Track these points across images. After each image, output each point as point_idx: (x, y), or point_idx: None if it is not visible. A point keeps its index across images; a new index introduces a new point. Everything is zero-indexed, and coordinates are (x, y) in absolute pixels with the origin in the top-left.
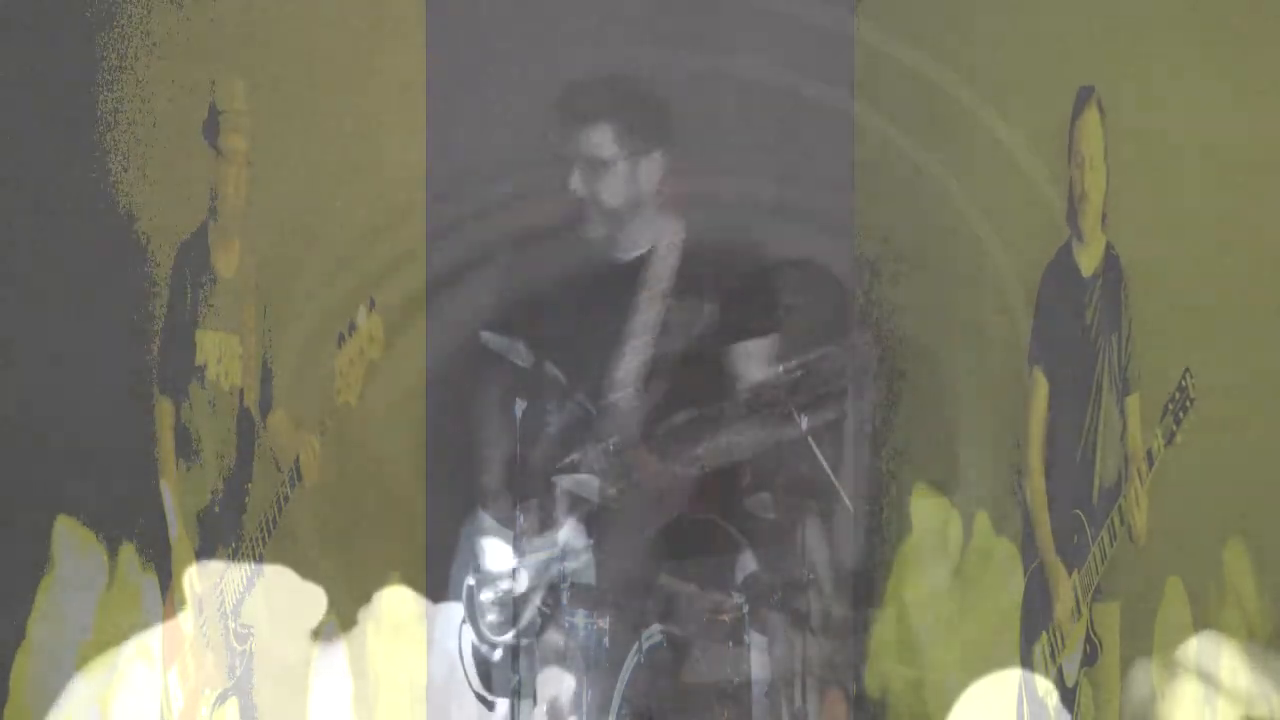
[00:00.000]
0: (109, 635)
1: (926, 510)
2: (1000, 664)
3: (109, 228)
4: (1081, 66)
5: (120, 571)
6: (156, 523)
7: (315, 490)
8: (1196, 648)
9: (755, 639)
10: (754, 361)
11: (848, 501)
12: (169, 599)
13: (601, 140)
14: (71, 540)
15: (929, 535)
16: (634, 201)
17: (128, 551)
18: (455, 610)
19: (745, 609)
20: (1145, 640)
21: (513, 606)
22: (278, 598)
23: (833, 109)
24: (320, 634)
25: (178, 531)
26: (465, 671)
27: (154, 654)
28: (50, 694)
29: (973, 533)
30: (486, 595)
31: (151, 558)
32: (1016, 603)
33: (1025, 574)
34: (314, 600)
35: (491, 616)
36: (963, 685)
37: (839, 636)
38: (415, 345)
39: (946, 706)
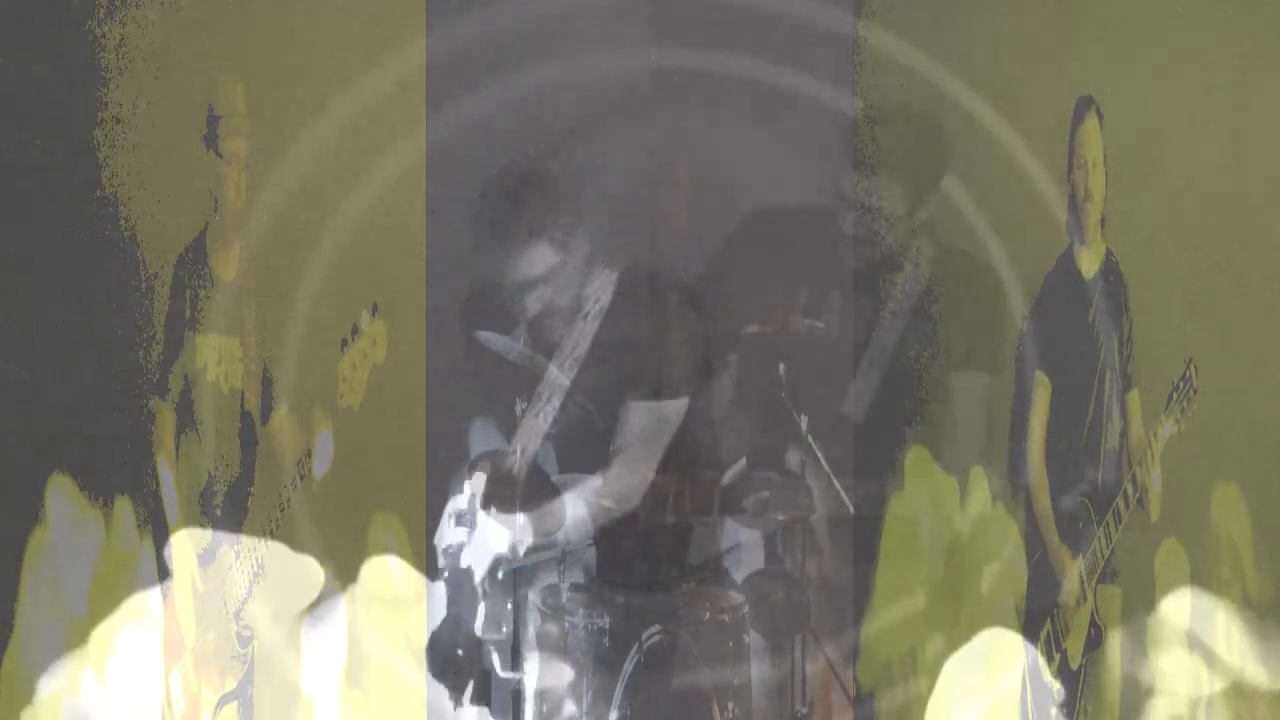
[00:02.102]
0: (104, 600)
1: (920, 470)
2: (998, 637)
3: (108, 231)
4: (1080, 74)
5: (115, 537)
6: (156, 506)
7: (317, 491)
8: (1192, 614)
9: (755, 639)
10: (644, 421)
11: (847, 501)
12: (169, 596)
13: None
14: (66, 502)
15: (922, 494)
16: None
17: (124, 509)
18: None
19: (745, 609)
20: (1146, 616)
21: (512, 611)
22: (279, 587)
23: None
24: (318, 615)
25: (178, 520)
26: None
27: (152, 614)
28: (44, 657)
29: (968, 494)
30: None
31: (148, 521)
32: (1013, 571)
33: (1029, 564)
34: (312, 583)
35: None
36: (957, 654)
37: (836, 632)
38: (415, 347)
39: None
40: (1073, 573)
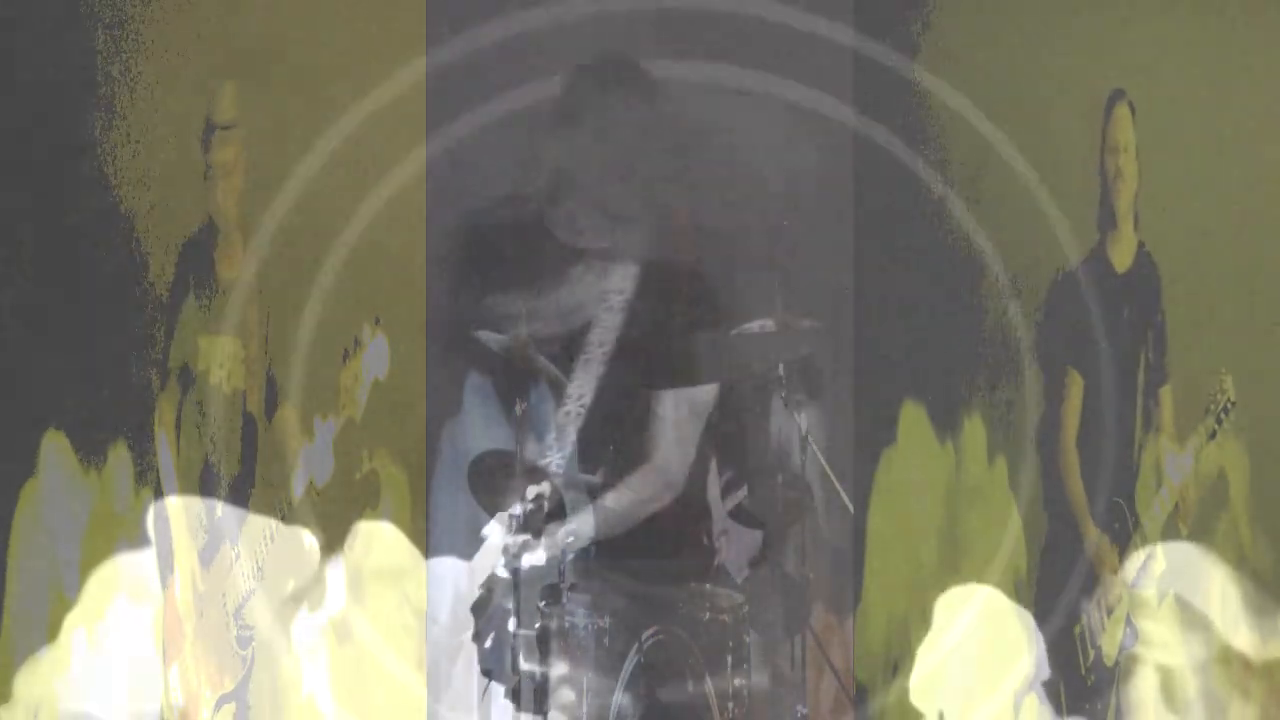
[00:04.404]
0: (94, 559)
1: (913, 425)
2: (993, 605)
3: (109, 229)
4: (1113, 71)
5: (109, 500)
6: (153, 475)
7: (318, 497)
8: (1225, 614)
9: (755, 639)
10: (677, 408)
11: (846, 500)
12: (169, 589)
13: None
14: (59, 460)
15: (913, 448)
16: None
17: (120, 474)
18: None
19: (745, 608)
20: (1183, 615)
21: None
22: (277, 571)
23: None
24: (315, 604)
25: (176, 496)
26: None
27: (144, 584)
28: (34, 621)
29: (963, 452)
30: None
31: (144, 485)
32: (1009, 535)
33: (1028, 532)
34: (309, 563)
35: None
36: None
37: (836, 631)
38: (415, 348)
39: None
40: (1109, 571)
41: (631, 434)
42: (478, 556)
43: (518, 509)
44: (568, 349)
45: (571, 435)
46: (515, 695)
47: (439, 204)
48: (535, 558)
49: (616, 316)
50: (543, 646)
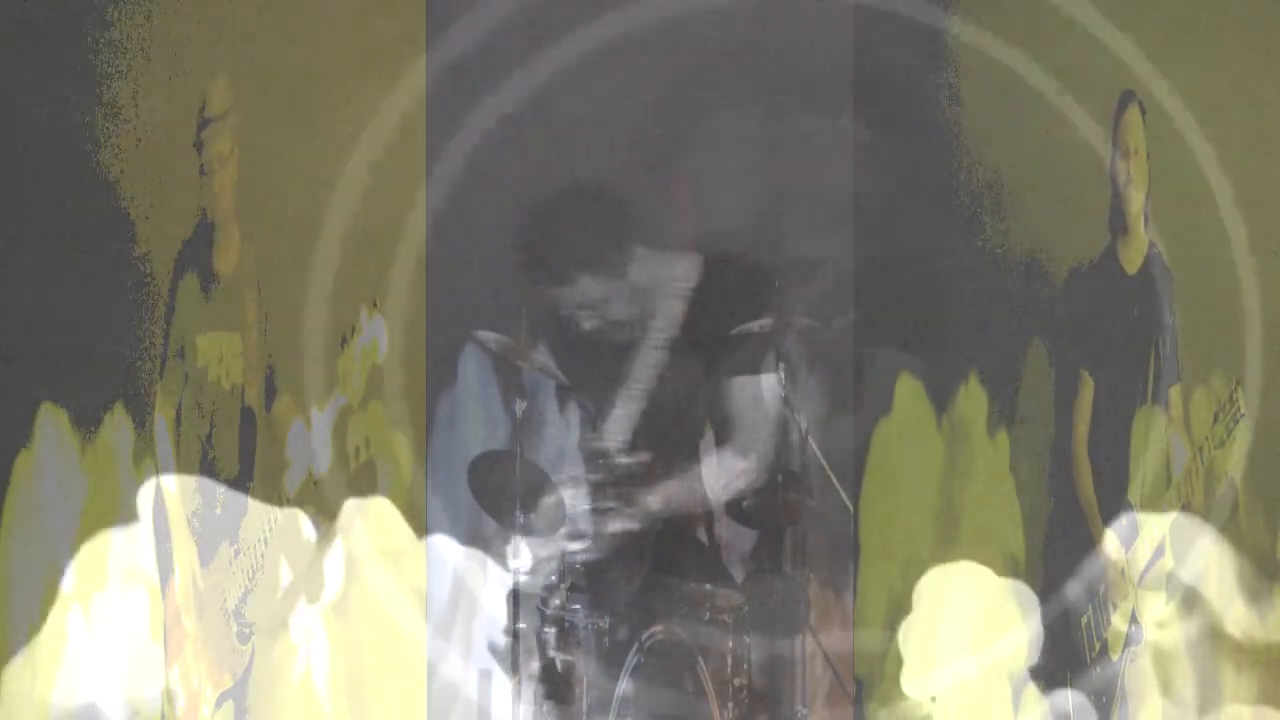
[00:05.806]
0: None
1: (908, 394)
2: (996, 591)
3: (109, 226)
4: (1123, 72)
5: (107, 481)
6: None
7: (318, 481)
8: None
9: (755, 638)
10: (748, 396)
11: (846, 500)
12: (169, 590)
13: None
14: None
15: (909, 417)
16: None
17: (117, 453)
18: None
19: (745, 609)
20: (1190, 613)
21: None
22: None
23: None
24: (314, 596)
25: (176, 488)
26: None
27: (144, 574)
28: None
29: (958, 425)
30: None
31: (140, 465)
32: (1007, 516)
33: (1026, 509)
34: (313, 567)
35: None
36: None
37: (836, 631)
38: (415, 345)
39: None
40: (1116, 568)
41: (687, 423)
42: (513, 552)
43: (598, 475)
44: (630, 336)
45: (630, 421)
46: (546, 678)
47: (439, 191)
48: (626, 524)
49: (679, 305)
50: (560, 638)
